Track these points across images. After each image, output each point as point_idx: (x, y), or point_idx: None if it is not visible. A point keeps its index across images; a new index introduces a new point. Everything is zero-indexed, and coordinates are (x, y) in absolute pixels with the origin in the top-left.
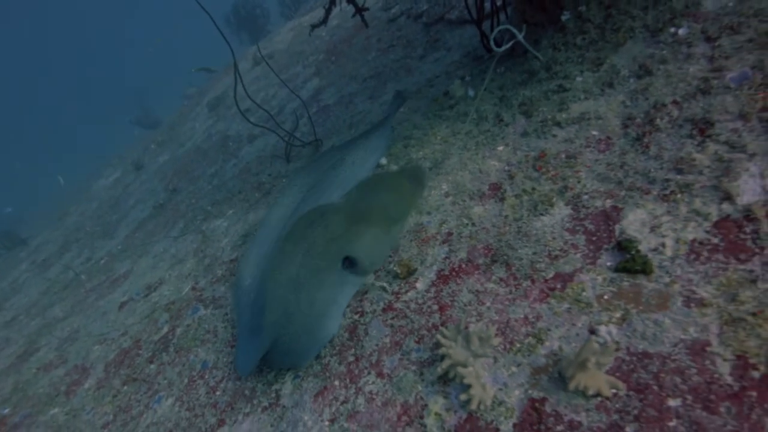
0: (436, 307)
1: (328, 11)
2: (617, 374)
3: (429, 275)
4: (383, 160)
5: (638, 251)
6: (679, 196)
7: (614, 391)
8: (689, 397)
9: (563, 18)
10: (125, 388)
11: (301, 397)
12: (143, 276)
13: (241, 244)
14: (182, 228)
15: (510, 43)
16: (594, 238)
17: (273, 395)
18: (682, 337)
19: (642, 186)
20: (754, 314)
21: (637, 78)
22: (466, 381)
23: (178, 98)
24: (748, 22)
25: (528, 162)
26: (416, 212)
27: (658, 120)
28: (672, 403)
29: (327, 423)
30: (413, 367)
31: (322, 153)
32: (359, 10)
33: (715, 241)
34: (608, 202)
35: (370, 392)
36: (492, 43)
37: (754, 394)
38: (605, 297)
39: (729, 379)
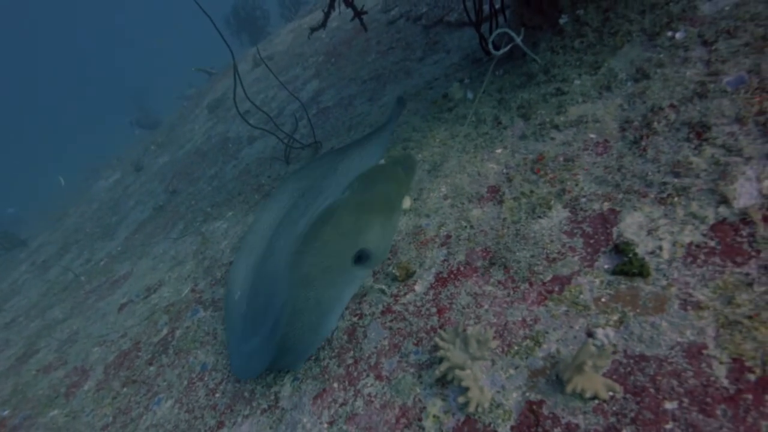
0: (434, 309)
1: (327, 15)
2: (614, 377)
3: (427, 278)
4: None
5: (635, 254)
6: (676, 199)
7: (611, 393)
8: (686, 399)
9: (561, 21)
10: (125, 389)
11: (300, 400)
12: (143, 278)
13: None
14: (182, 230)
15: (508, 46)
16: (591, 241)
17: (272, 397)
18: (679, 340)
19: (639, 189)
20: (750, 317)
21: (634, 81)
22: (464, 383)
23: (178, 99)
24: (745, 26)
25: (526, 165)
26: (415, 215)
27: (655, 123)
28: (668, 405)
29: (326, 425)
30: (412, 370)
31: (317, 158)
32: (358, 14)
33: (712, 244)
34: (606, 205)
35: (369, 394)
36: (491, 45)
37: (750, 397)
38: (602, 300)
39: (725, 382)
